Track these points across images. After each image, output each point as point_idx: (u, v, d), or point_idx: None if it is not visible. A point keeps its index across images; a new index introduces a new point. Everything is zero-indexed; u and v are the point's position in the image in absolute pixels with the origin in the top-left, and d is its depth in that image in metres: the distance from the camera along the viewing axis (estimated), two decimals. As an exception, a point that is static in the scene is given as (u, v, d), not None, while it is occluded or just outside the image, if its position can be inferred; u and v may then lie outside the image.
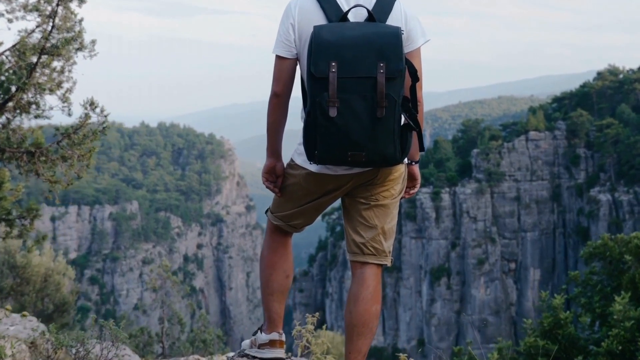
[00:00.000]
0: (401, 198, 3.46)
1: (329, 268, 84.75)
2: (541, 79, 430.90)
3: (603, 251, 9.18)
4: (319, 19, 3.13)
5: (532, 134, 77.26)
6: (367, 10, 3.09)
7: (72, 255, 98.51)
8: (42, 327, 6.77)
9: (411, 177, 3.53)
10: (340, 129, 2.91)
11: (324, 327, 4.90)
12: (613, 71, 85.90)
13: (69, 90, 8.25)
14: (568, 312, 7.87)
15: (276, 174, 3.45)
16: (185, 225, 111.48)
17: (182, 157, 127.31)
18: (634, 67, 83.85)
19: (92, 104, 8.17)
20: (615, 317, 7.31)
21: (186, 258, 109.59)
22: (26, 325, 7.23)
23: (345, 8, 3.14)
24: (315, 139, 2.96)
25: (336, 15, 3.11)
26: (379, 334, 75.70)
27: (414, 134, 3.22)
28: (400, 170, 3.35)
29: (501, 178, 75.86)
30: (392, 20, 3.16)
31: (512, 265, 75.47)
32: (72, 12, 8.01)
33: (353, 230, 3.40)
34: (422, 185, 76.38)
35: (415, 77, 3.07)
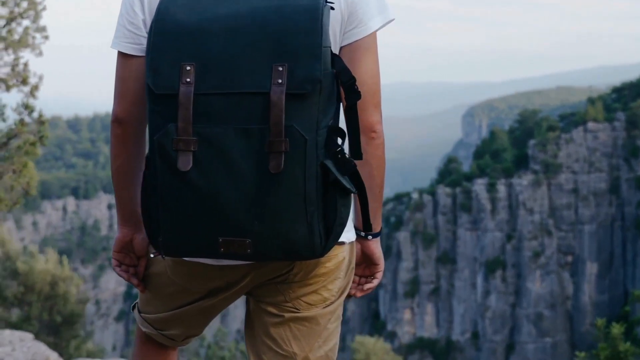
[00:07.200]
0: (349, 297, 1.94)
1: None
2: (598, 68, 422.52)
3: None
4: None
5: (591, 125, 75.88)
6: None
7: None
8: (42, 348, 6.00)
9: (367, 260, 1.95)
10: (200, 194, 1.55)
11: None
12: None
13: (36, 87, 7.06)
14: (628, 343, 6.79)
15: (135, 253, 1.91)
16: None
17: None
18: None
19: (27, 107, 6.71)
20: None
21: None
22: (15, 347, 5.83)
23: None
24: (156, 213, 1.61)
25: None
26: (433, 326, 75.47)
27: (355, 197, 1.78)
28: (340, 256, 1.81)
29: (558, 170, 74.78)
30: None
31: (569, 259, 74.41)
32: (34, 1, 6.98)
33: (257, 358, 1.90)
34: (478, 176, 75.71)
35: (352, 92, 1.64)
